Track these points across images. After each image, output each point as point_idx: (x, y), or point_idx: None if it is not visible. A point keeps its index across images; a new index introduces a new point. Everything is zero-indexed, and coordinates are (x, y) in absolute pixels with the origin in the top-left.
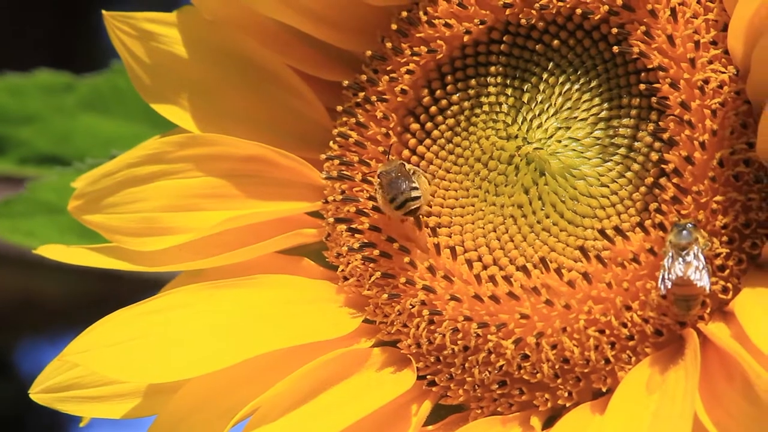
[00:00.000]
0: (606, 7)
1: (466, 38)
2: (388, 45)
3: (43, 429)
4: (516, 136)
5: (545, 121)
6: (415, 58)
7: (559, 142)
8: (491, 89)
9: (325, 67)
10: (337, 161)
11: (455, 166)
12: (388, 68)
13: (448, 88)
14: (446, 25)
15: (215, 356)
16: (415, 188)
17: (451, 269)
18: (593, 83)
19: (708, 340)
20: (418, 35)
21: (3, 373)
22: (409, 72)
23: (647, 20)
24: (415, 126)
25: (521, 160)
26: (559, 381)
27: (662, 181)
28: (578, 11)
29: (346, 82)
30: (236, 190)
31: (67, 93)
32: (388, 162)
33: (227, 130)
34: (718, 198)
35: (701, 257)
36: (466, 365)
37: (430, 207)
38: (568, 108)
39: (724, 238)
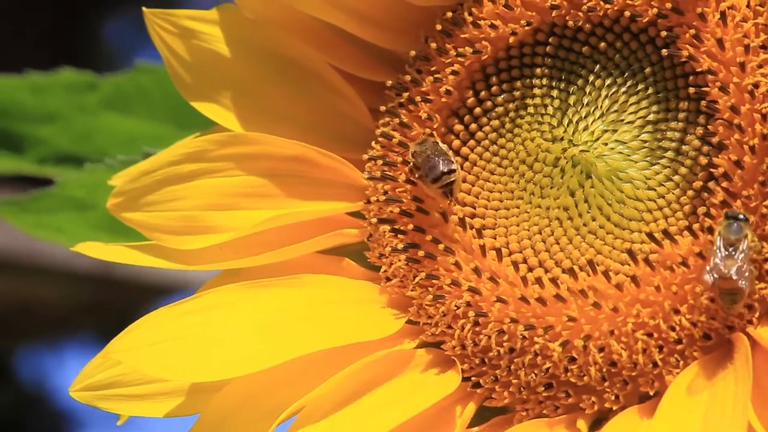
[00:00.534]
0: (654, 10)
1: (511, 39)
2: (433, 45)
3: None
4: (562, 139)
5: (591, 123)
6: (459, 58)
7: (606, 144)
8: (536, 91)
9: (368, 67)
10: (380, 161)
11: (499, 167)
12: (433, 69)
13: (493, 89)
14: (491, 26)
15: (257, 356)
16: (452, 163)
17: (497, 271)
18: (640, 86)
19: (757, 344)
20: (462, 36)
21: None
22: (453, 73)
23: (696, 23)
24: (459, 127)
25: (567, 163)
26: (606, 384)
27: (711, 185)
28: (626, 14)
29: (389, 82)
30: (277, 189)
31: (89, 92)
32: (420, 140)
33: (269, 129)
34: None
35: (747, 257)
36: (512, 367)
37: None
38: (615, 111)
39: None
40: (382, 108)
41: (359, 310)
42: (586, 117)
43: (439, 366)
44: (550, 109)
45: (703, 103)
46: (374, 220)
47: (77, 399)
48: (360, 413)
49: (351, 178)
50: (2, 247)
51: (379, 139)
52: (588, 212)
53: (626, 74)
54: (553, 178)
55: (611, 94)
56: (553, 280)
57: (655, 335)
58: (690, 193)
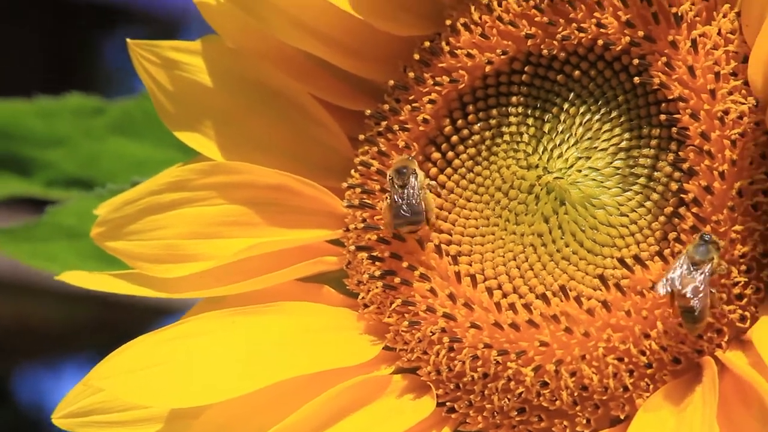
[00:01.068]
0: (627, 39)
1: (487, 68)
2: (411, 75)
3: None
4: (536, 166)
5: (566, 150)
6: (437, 87)
7: (579, 171)
8: (512, 119)
9: (347, 96)
10: (358, 190)
11: (476, 195)
12: (410, 98)
13: (470, 117)
14: (468, 55)
15: (237, 382)
16: (419, 214)
17: (472, 297)
18: (614, 113)
19: (725, 368)
20: (440, 65)
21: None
22: (431, 102)
23: (668, 51)
24: (436, 155)
25: (542, 190)
26: (578, 408)
27: (682, 210)
28: (599, 42)
29: (368, 111)
30: (258, 217)
31: (96, 116)
32: (401, 164)
33: (250, 158)
34: (737, 227)
35: (707, 281)
36: (486, 392)
37: (440, 208)
38: (589, 138)
39: (743, 267)
40: (361, 137)
41: (337, 337)
42: (560, 144)
43: (414, 391)
44: (525, 137)
45: (674, 129)
46: (353, 247)
47: (60, 426)
48: None
49: (331, 206)
50: (1, 268)
51: (358, 167)
52: (562, 238)
53: (600, 102)
54: (528, 204)
55: (585, 122)
56: (527, 306)
57: (626, 359)
58: (661, 218)
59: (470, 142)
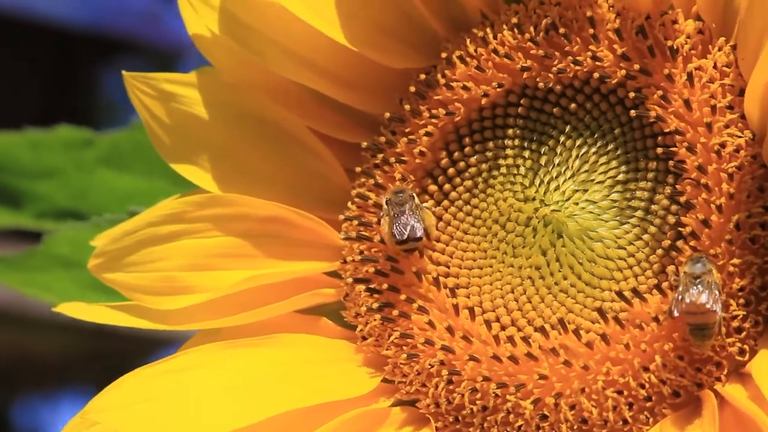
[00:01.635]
0: (623, 71)
1: (483, 101)
2: (407, 107)
3: None
4: (533, 199)
5: (562, 183)
6: (433, 120)
7: (576, 204)
8: (509, 152)
9: (344, 129)
10: (355, 222)
11: (473, 227)
12: (407, 130)
13: (466, 150)
14: (464, 87)
15: (234, 416)
16: (419, 229)
17: (470, 330)
18: (610, 146)
19: (725, 401)
20: (436, 98)
21: None
22: (427, 134)
23: (664, 84)
24: (433, 188)
25: (539, 222)
26: None
27: (679, 243)
28: (595, 75)
29: (365, 144)
30: (255, 249)
31: (86, 148)
32: (398, 188)
33: (246, 190)
34: (735, 261)
35: (714, 286)
36: (485, 425)
37: (438, 241)
38: (585, 171)
39: (741, 301)
40: (358, 169)
41: (335, 369)
42: (557, 177)
43: (413, 424)
44: (522, 170)
45: (671, 162)
46: (350, 279)
47: None
48: None
49: (327, 238)
50: None
51: (355, 199)
52: (559, 271)
53: (596, 134)
54: (526, 237)
55: (582, 155)
56: (525, 339)
57: (625, 392)
58: (659, 251)
59: (467, 174)
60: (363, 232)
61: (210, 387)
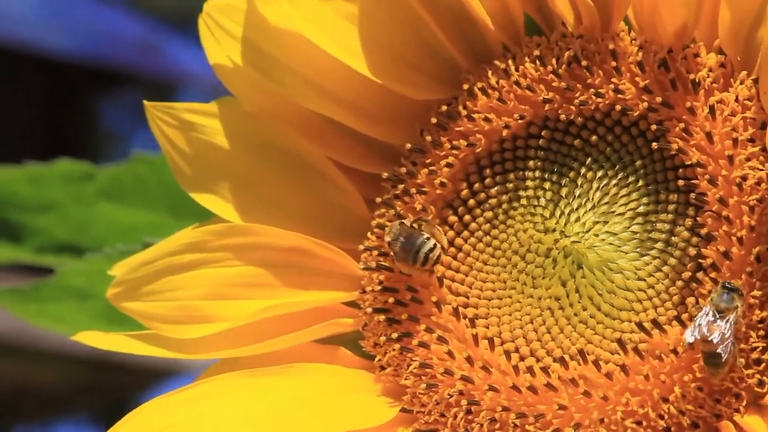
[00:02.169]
0: (645, 104)
1: (504, 132)
2: (428, 138)
3: None
4: (554, 230)
5: (583, 215)
6: (454, 151)
7: (597, 236)
8: (529, 183)
9: (364, 160)
10: (375, 252)
11: (493, 258)
12: (428, 161)
13: (487, 181)
14: (485, 119)
15: None
16: (426, 239)
17: (489, 360)
18: (631, 178)
19: None
20: (457, 129)
21: None
22: (448, 165)
23: (686, 117)
24: (453, 218)
25: (559, 253)
26: None
27: (700, 275)
28: (617, 108)
29: (385, 174)
30: (274, 279)
31: (86, 182)
32: (389, 230)
33: (266, 220)
34: (756, 293)
35: (733, 328)
36: None
37: (458, 271)
38: (606, 203)
39: (761, 332)
40: (378, 199)
41: (354, 399)
42: (577, 209)
43: None
44: (542, 201)
45: (692, 195)
46: (369, 309)
47: None
48: None
49: (347, 268)
50: None
51: (375, 230)
52: (579, 302)
53: (617, 167)
54: (545, 268)
55: (602, 186)
56: (544, 369)
57: (644, 423)
58: (679, 283)
59: (487, 205)
60: (382, 262)
61: (228, 416)
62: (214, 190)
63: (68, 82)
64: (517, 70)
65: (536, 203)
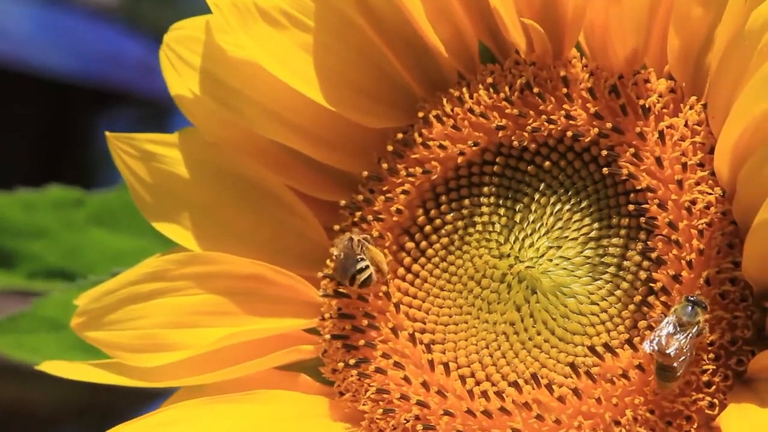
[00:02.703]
0: (596, 130)
1: (460, 159)
2: (384, 166)
3: None
4: (508, 255)
5: (537, 240)
6: (410, 178)
7: (550, 260)
8: (484, 209)
9: (323, 187)
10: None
11: (449, 284)
12: (384, 188)
13: (443, 207)
14: (441, 146)
15: None
16: (362, 260)
17: (445, 385)
18: (583, 203)
19: None
20: (413, 156)
21: None
22: (404, 192)
23: (636, 142)
24: (410, 245)
25: (513, 279)
26: None
27: (651, 299)
28: (569, 134)
29: (343, 202)
30: (235, 307)
31: (77, 208)
32: (337, 242)
33: (227, 248)
34: (705, 316)
35: (691, 342)
36: None
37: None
38: (559, 228)
39: (711, 355)
40: (336, 227)
41: (313, 425)
42: (531, 234)
43: None
44: (497, 227)
45: (643, 219)
46: (328, 336)
47: None
48: None
49: (306, 295)
50: None
51: (333, 257)
52: (533, 326)
53: (570, 192)
54: (500, 293)
55: (556, 212)
56: (499, 393)
57: None
58: (631, 307)
59: (443, 231)
60: (340, 290)
61: None
62: (176, 219)
63: (65, 102)
64: (471, 97)
65: (491, 229)
